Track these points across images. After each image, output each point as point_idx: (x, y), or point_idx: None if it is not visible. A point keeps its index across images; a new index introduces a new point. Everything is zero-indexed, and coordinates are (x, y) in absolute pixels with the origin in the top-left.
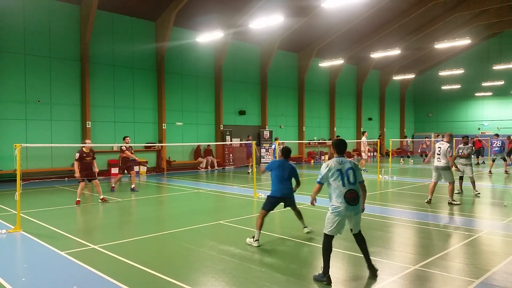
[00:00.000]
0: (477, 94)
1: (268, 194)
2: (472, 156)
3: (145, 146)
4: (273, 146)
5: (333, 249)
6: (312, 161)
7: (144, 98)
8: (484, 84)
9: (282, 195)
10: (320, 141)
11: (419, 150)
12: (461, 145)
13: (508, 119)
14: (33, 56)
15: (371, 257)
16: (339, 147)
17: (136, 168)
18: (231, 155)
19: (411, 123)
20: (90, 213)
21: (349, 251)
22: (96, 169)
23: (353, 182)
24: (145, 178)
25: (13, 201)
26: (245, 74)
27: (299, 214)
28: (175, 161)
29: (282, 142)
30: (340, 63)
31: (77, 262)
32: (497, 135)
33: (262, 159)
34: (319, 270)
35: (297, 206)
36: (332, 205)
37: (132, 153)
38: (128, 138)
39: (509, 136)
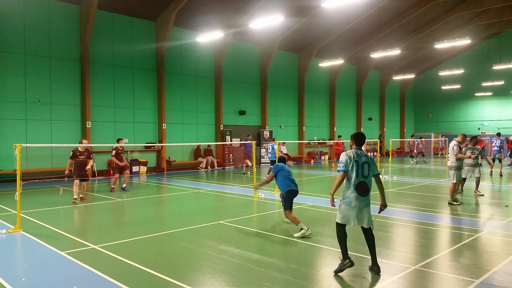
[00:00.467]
0: (477, 94)
1: (283, 192)
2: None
3: (145, 146)
4: (270, 146)
5: (333, 249)
6: (312, 161)
7: (144, 98)
8: (484, 84)
9: (296, 187)
10: (320, 141)
11: (415, 151)
12: (470, 145)
13: (508, 119)
14: (33, 56)
15: (377, 257)
16: (358, 139)
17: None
18: (231, 155)
19: (411, 123)
20: (90, 213)
21: (349, 251)
22: (89, 167)
23: (367, 175)
24: (145, 178)
25: (13, 201)
26: (245, 74)
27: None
28: (175, 161)
29: (283, 142)
30: (340, 63)
31: (77, 262)
32: (498, 134)
33: (262, 159)
34: (319, 270)
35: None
36: (343, 194)
37: (122, 154)
38: (122, 140)
39: (506, 138)
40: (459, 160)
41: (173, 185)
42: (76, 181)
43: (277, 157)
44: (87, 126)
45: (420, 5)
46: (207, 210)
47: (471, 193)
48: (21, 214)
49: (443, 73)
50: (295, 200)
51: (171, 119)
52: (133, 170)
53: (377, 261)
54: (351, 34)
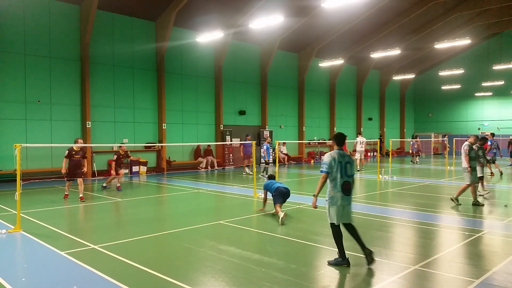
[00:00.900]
0: (477, 94)
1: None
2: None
3: (145, 146)
4: (265, 147)
5: (332, 249)
6: (312, 161)
7: (144, 98)
8: (484, 84)
9: (287, 191)
10: (320, 141)
11: (410, 151)
12: (478, 145)
13: (508, 119)
14: (33, 56)
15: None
16: (339, 139)
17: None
18: (231, 155)
19: (411, 123)
20: (90, 213)
21: (349, 251)
22: (85, 169)
23: (350, 174)
24: (145, 178)
25: (13, 201)
26: (245, 74)
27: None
28: (175, 161)
29: (284, 143)
30: (340, 63)
31: (77, 262)
32: (492, 134)
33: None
34: (319, 270)
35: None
36: (329, 195)
37: (123, 159)
38: (123, 146)
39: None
40: (473, 160)
41: (173, 185)
42: (69, 182)
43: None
44: (87, 126)
45: (420, 5)
46: (207, 210)
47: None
48: (21, 214)
49: (443, 73)
50: (294, 200)
51: (171, 119)
52: (133, 170)
53: (368, 247)
54: (351, 34)
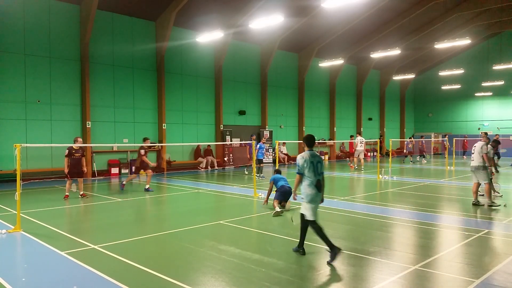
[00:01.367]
0: (477, 94)
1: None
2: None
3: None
4: (257, 146)
5: None
6: None
7: (144, 98)
8: (484, 84)
9: (290, 190)
10: (320, 141)
11: (405, 151)
12: (491, 145)
13: (508, 119)
14: (33, 56)
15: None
16: (310, 141)
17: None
18: (231, 155)
19: (411, 123)
20: (90, 213)
21: (348, 251)
22: (85, 168)
23: (321, 173)
24: (145, 178)
25: (13, 201)
26: (245, 74)
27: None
28: (175, 161)
29: (284, 143)
30: (340, 63)
31: (77, 262)
32: (486, 134)
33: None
34: (319, 270)
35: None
36: (305, 193)
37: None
38: (148, 140)
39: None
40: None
41: (173, 185)
42: (70, 180)
43: (277, 157)
44: (87, 126)
45: (420, 5)
46: (207, 210)
47: (470, 193)
48: (21, 214)
49: (443, 73)
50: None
51: (171, 119)
52: (132, 170)
53: (334, 244)
54: (351, 34)
